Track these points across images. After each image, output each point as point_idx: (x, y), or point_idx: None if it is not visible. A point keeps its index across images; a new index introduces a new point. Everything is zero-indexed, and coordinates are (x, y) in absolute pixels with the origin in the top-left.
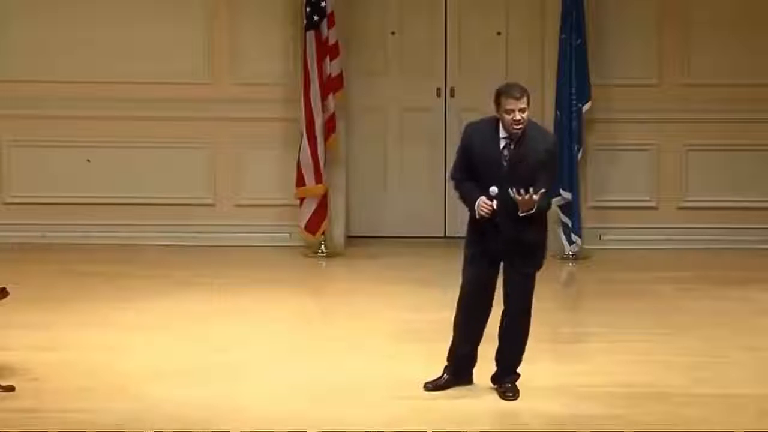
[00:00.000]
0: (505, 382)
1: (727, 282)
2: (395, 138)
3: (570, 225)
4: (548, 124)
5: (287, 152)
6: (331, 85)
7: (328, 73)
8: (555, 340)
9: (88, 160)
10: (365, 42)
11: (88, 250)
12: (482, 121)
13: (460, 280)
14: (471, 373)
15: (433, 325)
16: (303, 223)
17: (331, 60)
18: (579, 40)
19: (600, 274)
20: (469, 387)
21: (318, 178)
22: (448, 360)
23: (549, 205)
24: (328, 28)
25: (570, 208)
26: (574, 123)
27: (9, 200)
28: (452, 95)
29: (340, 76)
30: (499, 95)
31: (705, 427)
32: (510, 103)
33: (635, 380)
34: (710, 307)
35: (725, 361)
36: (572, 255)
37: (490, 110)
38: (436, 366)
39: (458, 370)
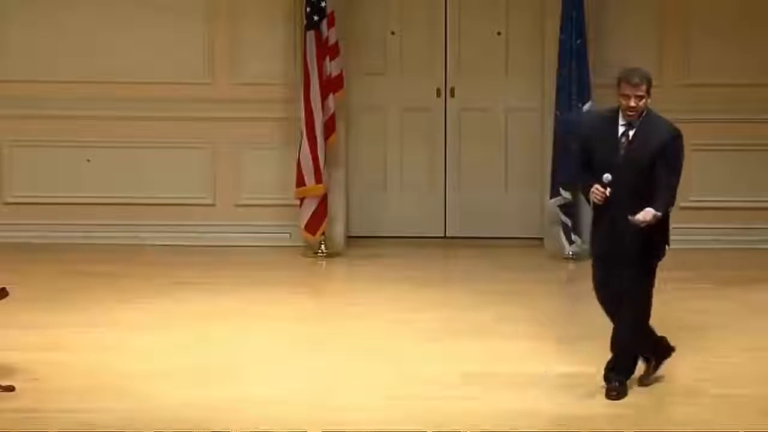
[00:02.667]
0: (613, 380)
1: (728, 282)
2: (395, 138)
3: (570, 225)
4: (548, 123)
5: (287, 152)
6: (331, 85)
7: (328, 73)
8: (556, 340)
9: (88, 160)
10: (365, 42)
11: (88, 250)
12: (603, 108)
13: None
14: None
15: (433, 324)
16: (303, 223)
17: (331, 60)
18: (579, 40)
19: None
20: (469, 387)
21: (318, 178)
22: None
23: (673, 200)
24: (328, 28)
25: (570, 208)
26: None
27: (9, 200)
28: (452, 95)
29: (340, 76)
30: (619, 80)
31: (705, 427)
32: (626, 89)
33: (636, 381)
34: (711, 307)
35: (726, 361)
36: (572, 255)
37: (491, 110)
38: (436, 366)
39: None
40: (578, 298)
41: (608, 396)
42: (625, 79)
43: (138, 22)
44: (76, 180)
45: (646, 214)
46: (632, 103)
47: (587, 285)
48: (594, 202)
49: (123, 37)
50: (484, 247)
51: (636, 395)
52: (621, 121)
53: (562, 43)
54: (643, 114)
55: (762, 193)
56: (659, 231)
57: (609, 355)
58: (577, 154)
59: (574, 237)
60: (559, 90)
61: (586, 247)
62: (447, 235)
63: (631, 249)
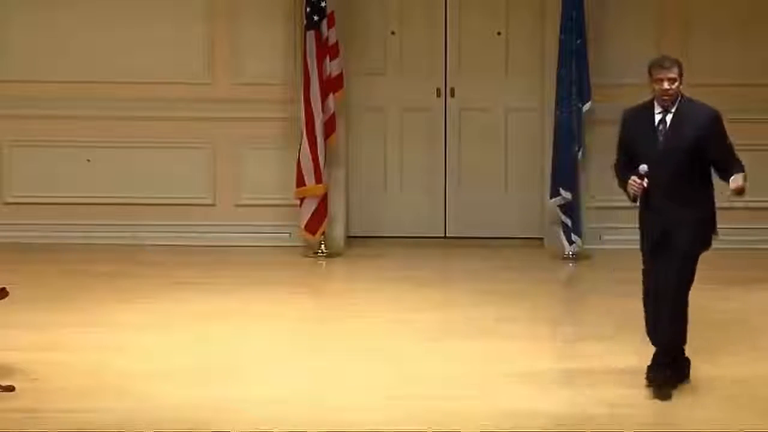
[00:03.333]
0: (658, 371)
1: (728, 282)
2: (395, 138)
3: (570, 225)
4: (548, 123)
5: (287, 152)
6: (331, 85)
7: (328, 73)
8: (556, 339)
9: (88, 160)
10: (365, 42)
11: (88, 250)
12: (639, 104)
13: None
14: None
15: (433, 325)
16: (303, 223)
17: (331, 60)
18: (579, 40)
19: (600, 274)
20: (469, 387)
21: (318, 178)
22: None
23: (743, 166)
24: (328, 28)
25: (570, 208)
26: (575, 123)
27: (9, 200)
28: (452, 95)
29: (340, 76)
30: (650, 68)
31: (706, 427)
32: (659, 72)
33: (636, 381)
34: (712, 306)
35: (726, 361)
36: (572, 255)
37: (491, 110)
38: (436, 366)
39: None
40: (578, 298)
41: (658, 395)
42: (656, 64)
43: (138, 22)
44: (76, 180)
45: (737, 179)
46: (666, 86)
47: (587, 285)
48: (637, 195)
49: (123, 37)
50: (484, 247)
51: (637, 395)
52: (656, 110)
53: (562, 43)
54: (678, 99)
55: (763, 193)
56: (709, 219)
57: (609, 355)
58: (619, 152)
59: (574, 237)
60: (559, 90)
61: (587, 247)
62: (447, 235)
63: (680, 237)
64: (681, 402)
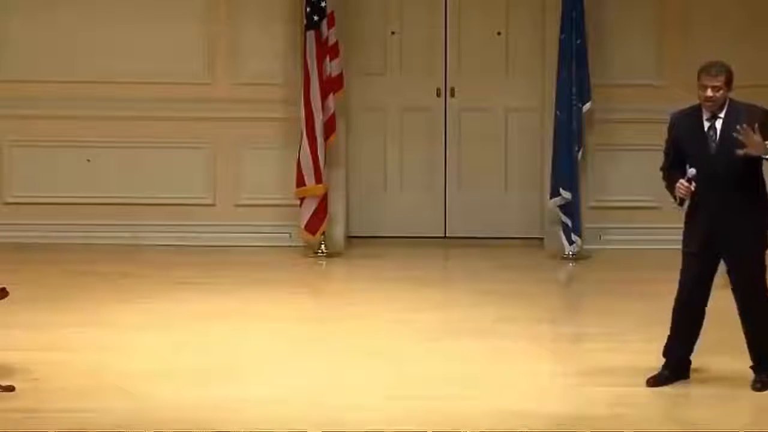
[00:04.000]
0: (761, 374)
1: (727, 282)
2: (395, 138)
3: (570, 225)
4: (548, 124)
5: (287, 152)
6: (331, 85)
7: (328, 73)
8: (555, 339)
9: (88, 160)
10: (365, 42)
11: (88, 250)
12: (687, 107)
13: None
14: (689, 370)
15: (433, 325)
16: (303, 223)
17: (331, 60)
18: (579, 40)
19: (600, 274)
20: (469, 387)
21: (318, 178)
22: (664, 356)
23: None
24: (328, 28)
25: (570, 208)
26: (575, 123)
27: (9, 200)
28: (452, 95)
29: (340, 76)
30: (699, 72)
31: (705, 427)
32: (704, 80)
33: (636, 381)
34: (710, 307)
35: (725, 361)
36: (572, 255)
37: (491, 110)
38: (436, 366)
39: (677, 369)
40: (578, 298)
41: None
42: (704, 70)
43: (138, 21)
44: (75, 180)
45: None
46: (709, 93)
47: (587, 285)
48: (690, 198)
49: (123, 37)
50: (484, 246)
51: (637, 395)
52: (705, 116)
53: (562, 43)
54: (726, 105)
55: None
56: (762, 218)
57: (609, 355)
58: (667, 155)
59: (574, 237)
60: (559, 90)
61: (586, 247)
62: (447, 234)
63: (735, 239)
64: (681, 402)
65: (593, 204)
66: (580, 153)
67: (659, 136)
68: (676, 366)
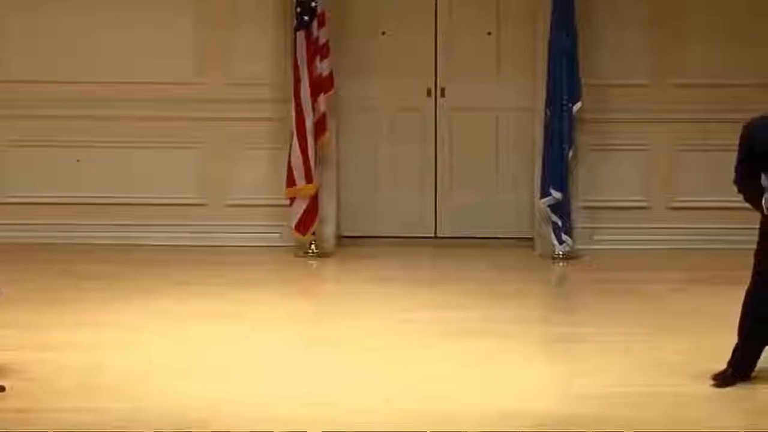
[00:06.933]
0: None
1: (719, 282)
2: (386, 138)
3: (561, 225)
4: (539, 124)
5: (278, 152)
6: (322, 85)
7: (319, 73)
8: (548, 340)
9: (78, 160)
10: (356, 42)
11: (81, 250)
12: (762, 114)
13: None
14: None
15: (425, 325)
16: (293, 223)
17: (321, 60)
18: (570, 40)
19: (591, 274)
20: (462, 387)
21: (309, 178)
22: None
23: None
24: (319, 28)
25: (561, 208)
26: (565, 123)
27: (4, 200)
28: (443, 95)
29: (331, 76)
30: None
31: (699, 426)
32: None
33: (629, 380)
34: (703, 307)
35: (719, 360)
36: (563, 255)
37: (481, 110)
38: (429, 366)
39: (742, 370)
40: (569, 297)
41: None
42: None
43: (131, 22)
44: (68, 180)
45: None
46: None
47: (578, 285)
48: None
49: (116, 37)
50: (475, 247)
51: (631, 395)
52: None
53: (552, 42)
54: None
55: None
56: None
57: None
58: (744, 166)
59: (564, 237)
60: (550, 90)
61: (577, 247)
62: (438, 235)
63: None
64: (674, 402)
65: (584, 204)
66: (571, 153)
67: (650, 136)
68: (741, 368)
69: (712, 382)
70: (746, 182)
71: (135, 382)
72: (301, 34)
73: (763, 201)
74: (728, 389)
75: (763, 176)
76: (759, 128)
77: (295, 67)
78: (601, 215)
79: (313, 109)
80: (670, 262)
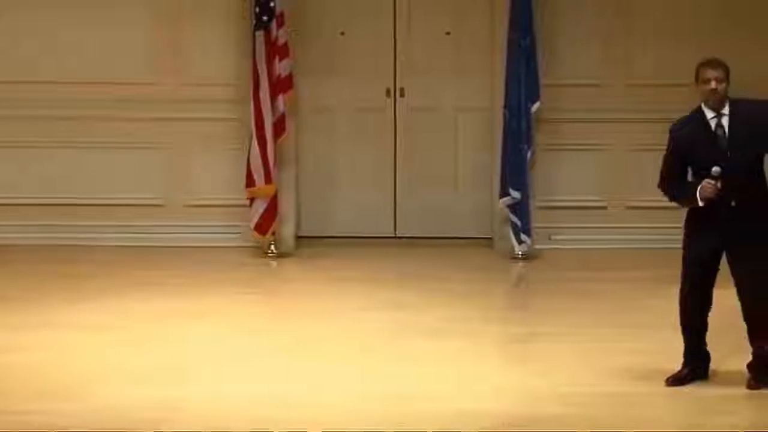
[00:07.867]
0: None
1: (676, 281)
2: (345, 138)
3: (519, 225)
4: (497, 123)
5: (237, 153)
6: (281, 85)
7: (278, 73)
8: (506, 340)
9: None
10: (315, 42)
11: (39, 250)
12: (684, 116)
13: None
14: (707, 368)
15: (384, 324)
16: (253, 224)
17: (280, 60)
18: (528, 40)
19: (550, 273)
20: (421, 387)
21: (268, 179)
22: (684, 356)
23: None
24: (278, 28)
25: (519, 208)
26: (524, 123)
27: None
28: (402, 95)
29: (290, 76)
30: (697, 69)
31: (655, 426)
32: (707, 73)
33: (586, 380)
34: (661, 306)
35: (674, 360)
36: (522, 255)
37: (440, 109)
38: (388, 365)
39: (694, 368)
40: (528, 297)
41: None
42: (704, 65)
43: (87, 22)
44: (26, 181)
45: None
46: (713, 85)
47: (537, 284)
48: (712, 198)
49: (71, 37)
50: (434, 246)
51: (588, 394)
52: (709, 115)
53: (511, 42)
54: (727, 101)
55: None
56: None
57: (561, 355)
58: (668, 169)
59: (523, 237)
60: (508, 90)
61: (536, 247)
62: (397, 234)
63: (756, 233)
64: (632, 401)
65: (542, 204)
66: (530, 153)
67: (607, 136)
68: (693, 366)
69: (665, 382)
70: (673, 182)
71: (93, 383)
72: (260, 34)
73: (700, 191)
74: (682, 388)
75: (689, 174)
76: (681, 129)
77: (255, 68)
78: (560, 215)
79: (273, 109)
80: (628, 262)
